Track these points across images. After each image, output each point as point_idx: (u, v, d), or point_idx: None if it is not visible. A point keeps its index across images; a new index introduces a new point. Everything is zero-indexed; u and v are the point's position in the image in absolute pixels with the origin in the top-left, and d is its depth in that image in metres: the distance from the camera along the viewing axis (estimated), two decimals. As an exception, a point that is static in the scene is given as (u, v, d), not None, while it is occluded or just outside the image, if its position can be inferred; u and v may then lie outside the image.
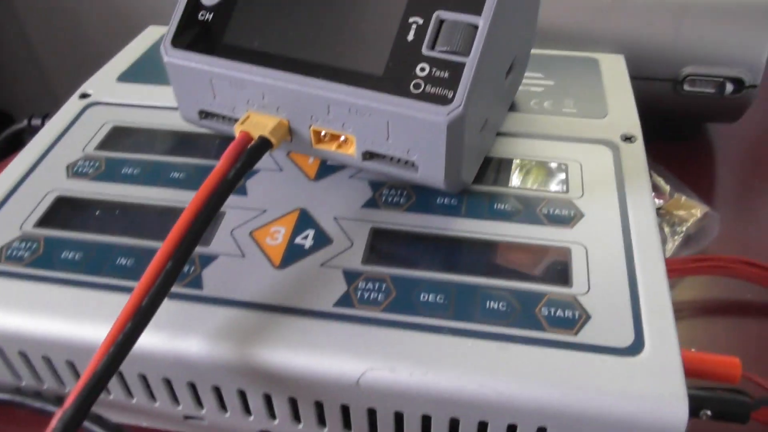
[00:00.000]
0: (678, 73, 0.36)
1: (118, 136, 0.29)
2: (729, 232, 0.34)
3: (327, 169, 0.27)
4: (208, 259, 0.24)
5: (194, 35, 0.24)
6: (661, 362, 0.20)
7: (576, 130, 0.29)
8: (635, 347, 0.21)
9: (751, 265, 0.30)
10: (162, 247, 0.20)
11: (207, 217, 0.21)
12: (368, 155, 0.24)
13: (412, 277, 0.23)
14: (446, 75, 0.21)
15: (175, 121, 0.30)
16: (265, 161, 0.28)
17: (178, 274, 0.20)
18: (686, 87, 0.36)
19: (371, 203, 0.26)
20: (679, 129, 0.42)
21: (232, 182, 0.22)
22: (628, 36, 0.36)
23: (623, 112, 0.30)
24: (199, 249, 0.24)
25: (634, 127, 0.29)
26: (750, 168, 0.41)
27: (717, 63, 0.35)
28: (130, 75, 0.33)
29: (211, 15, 0.24)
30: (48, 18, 0.84)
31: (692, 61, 0.35)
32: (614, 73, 0.33)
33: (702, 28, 0.35)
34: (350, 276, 0.23)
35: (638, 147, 0.28)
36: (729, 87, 0.35)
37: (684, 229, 0.33)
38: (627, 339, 0.21)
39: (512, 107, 0.30)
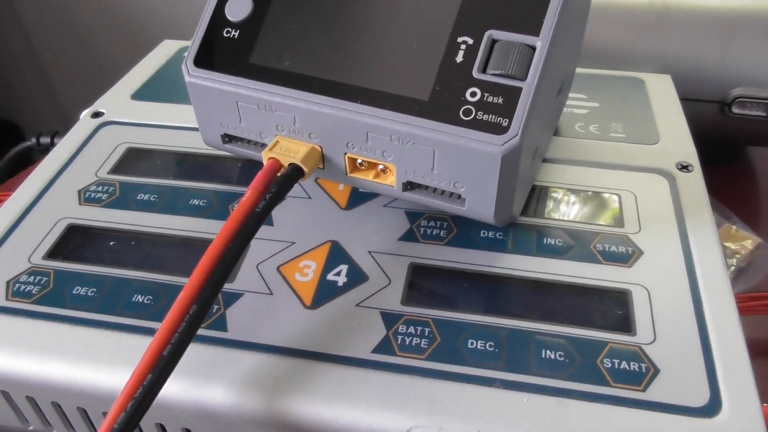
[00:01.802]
0: (726, 94, 0.34)
1: (133, 159, 0.28)
2: (780, 264, 0.32)
3: (359, 196, 0.25)
4: (232, 298, 0.22)
5: (219, 54, 0.22)
6: (743, 426, 0.18)
7: (626, 156, 0.27)
8: (712, 407, 0.18)
9: (811, 304, 0.28)
10: (185, 289, 0.18)
11: (235, 255, 0.19)
12: (409, 186, 0.22)
13: (457, 320, 0.21)
14: (500, 101, 0.19)
15: (194, 143, 0.28)
16: (292, 188, 0.26)
17: (203, 318, 0.18)
18: (735, 109, 0.34)
19: (409, 236, 0.24)
20: (720, 153, 0.40)
21: (262, 215, 0.20)
22: (673, 55, 0.34)
23: (676, 138, 0.28)
24: (224, 286, 0.22)
25: (691, 154, 0.27)
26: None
27: (768, 84, 0.33)
28: (145, 92, 0.32)
29: (237, 32, 0.22)
30: (55, 29, 0.82)
31: (742, 83, 0.33)
32: (662, 94, 0.31)
33: (752, 48, 0.33)
34: (389, 318, 0.21)
35: (696, 177, 0.26)
36: (782, 110, 0.33)
37: (735, 262, 0.31)
38: (702, 397, 0.19)
39: (556, 131, 0.28)
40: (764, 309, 0.27)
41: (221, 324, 0.21)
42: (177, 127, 0.29)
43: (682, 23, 0.34)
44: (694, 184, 0.25)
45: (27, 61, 0.87)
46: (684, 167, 0.26)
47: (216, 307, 0.21)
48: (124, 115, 0.30)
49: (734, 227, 0.32)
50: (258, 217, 0.20)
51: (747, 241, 0.32)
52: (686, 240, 0.23)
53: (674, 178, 0.26)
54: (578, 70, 0.30)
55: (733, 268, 0.31)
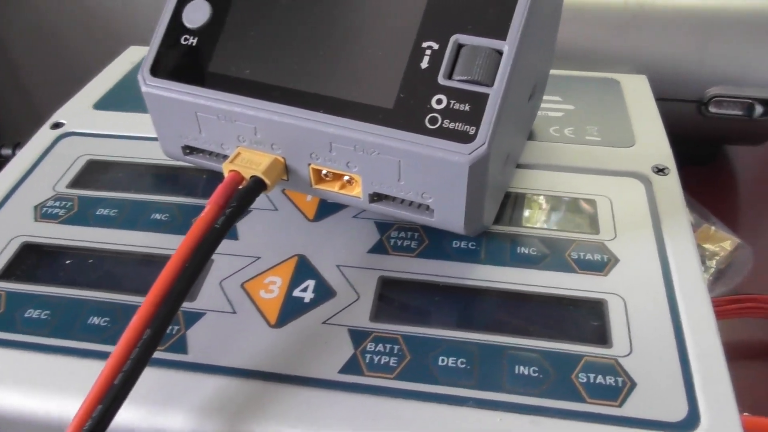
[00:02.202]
0: (703, 94, 0.33)
1: (94, 172, 0.26)
2: (761, 264, 0.32)
3: (327, 207, 0.24)
4: (193, 317, 0.21)
5: (176, 62, 0.21)
6: (722, 441, 0.17)
7: (602, 160, 0.26)
8: (690, 421, 0.18)
9: (791, 306, 0.28)
10: (138, 312, 0.17)
11: (192, 275, 0.18)
12: (376, 197, 0.21)
13: (428, 336, 0.20)
14: (467, 108, 0.19)
15: (158, 154, 0.27)
16: (257, 199, 0.25)
17: (157, 343, 0.17)
18: (712, 109, 0.33)
19: (379, 248, 0.23)
20: (698, 152, 0.39)
21: (221, 231, 0.19)
22: (649, 55, 0.33)
23: (652, 140, 0.27)
24: (183, 304, 0.21)
25: (667, 157, 0.26)
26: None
27: (745, 83, 0.32)
28: (109, 102, 0.30)
29: (196, 39, 0.21)
30: (27, 31, 0.80)
31: (718, 82, 0.33)
32: (638, 95, 0.30)
33: (729, 46, 0.32)
34: (357, 336, 0.20)
35: (672, 180, 0.25)
36: (758, 109, 0.32)
37: (714, 263, 0.31)
38: (680, 411, 0.18)
39: (531, 135, 0.28)
40: (744, 312, 0.27)
41: (181, 346, 0.20)
42: (141, 137, 0.28)
43: (657, 22, 0.33)
44: (671, 188, 0.25)
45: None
46: (660, 170, 0.25)
47: (176, 327, 0.21)
48: (86, 126, 0.29)
49: (713, 228, 0.32)
50: (217, 234, 0.19)
51: (726, 242, 0.31)
52: (662, 246, 0.22)
53: (650, 181, 0.25)
54: (553, 71, 0.30)
55: (712, 270, 0.30)
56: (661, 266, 0.22)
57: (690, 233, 0.23)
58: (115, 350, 0.17)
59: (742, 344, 0.28)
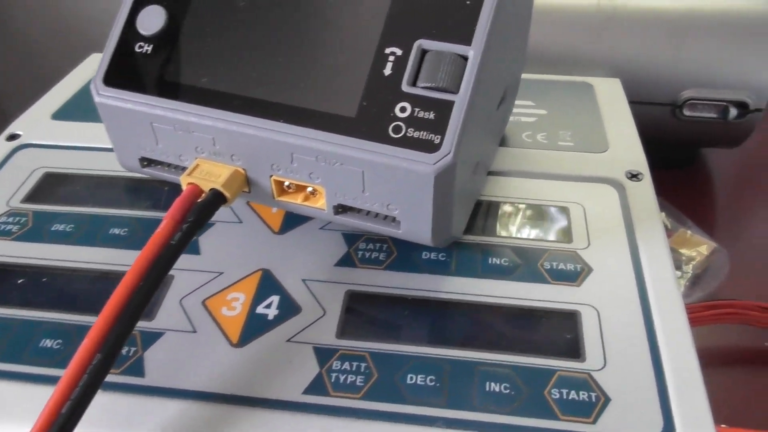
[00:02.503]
0: (677, 97, 0.33)
1: (51, 185, 0.25)
2: (737, 267, 0.32)
3: (293, 219, 0.24)
4: (151, 338, 0.20)
5: (131, 71, 0.20)
6: (699, 458, 0.17)
7: (575, 166, 0.26)
8: (666, 437, 0.17)
9: (767, 311, 0.27)
10: (88, 335, 0.17)
11: (146, 295, 0.17)
12: (341, 209, 0.20)
13: (396, 353, 0.19)
14: (431, 116, 0.18)
15: (119, 166, 0.26)
16: (221, 211, 0.24)
17: (108, 369, 0.16)
18: (686, 112, 0.33)
19: (346, 260, 0.22)
20: (674, 155, 0.39)
21: (178, 248, 0.18)
22: (622, 58, 0.33)
23: (626, 145, 0.27)
24: (140, 324, 0.20)
25: (640, 162, 0.26)
26: (750, 195, 0.38)
27: (719, 86, 0.32)
28: (68, 112, 0.29)
29: (151, 47, 0.20)
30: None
31: (692, 84, 0.32)
32: (611, 99, 0.30)
33: (703, 49, 0.32)
34: (323, 354, 0.19)
35: (646, 185, 0.25)
36: (733, 112, 0.32)
37: (691, 268, 0.30)
38: (655, 426, 0.17)
39: (503, 141, 0.27)
40: (721, 318, 0.27)
41: (138, 368, 0.19)
42: (100, 148, 0.27)
43: (630, 25, 0.33)
44: (644, 194, 0.24)
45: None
46: (634, 176, 0.25)
47: (132, 349, 0.20)
48: (43, 137, 0.28)
49: (689, 232, 0.31)
50: (174, 250, 0.18)
51: (702, 247, 0.31)
52: (636, 254, 0.22)
53: (624, 187, 0.25)
54: (525, 76, 0.29)
55: (689, 275, 0.30)
56: (635, 275, 0.21)
57: (664, 240, 0.22)
58: (63, 377, 0.16)
59: (719, 350, 0.28)
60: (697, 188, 0.38)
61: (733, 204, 0.37)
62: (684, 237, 0.31)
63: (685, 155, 0.39)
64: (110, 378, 0.19)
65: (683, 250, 0.31)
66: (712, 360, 0.27)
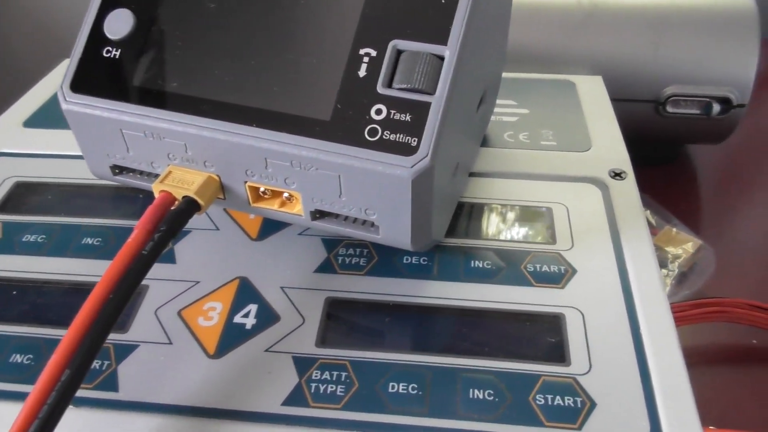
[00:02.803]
0: (660, 93, 0.33)
1: (22, 195, 0.25)
2: (723, 264, 0.31)
3: (271, 225, 0.23)
4: (125, 351, 0.19)
5: (99, 76, 0.20)
6: (687, 462, 0.16)
7: (558, 166, 0.25)
8: (653, 442, 0.17)
9: (754, 308, 0.27)
10: (56, 351, 0.16)
11: (116, 308, 0.17)
12: (318, 214, 0.20)
13: (377, 360, 0.19)
14: (408, 118, 0.18)
15: (91, 174, 0.25)
16: (197, 219, 0.23)
17: (77, 386, 0.16)
18: (669, 108, 0.33)
19: (326, 267, 0.22)
20: (658, 152, 0.39)
21: (150, 258, 0.18)
22: (603, 55, 0.33)
23: (609, 143, 0.26)
24: (113, 336, 0.20)
25: (624, 161, 0.25)
26: (735, 191, 0.38)
27: (702, 82, 0.32)
28: (40, 119, 0.29)
29: (119, 51, 0.20)
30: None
31: (675, 81, 0.32)
32: (594, 97, 0.29)
33: (684, 45, 0.32)
34: (302, 363, 0.19)
35: (630, 184, 0.24)
36: (716, 107, 0.32)
37: (677, 266, 0.30)
38: (641, 430, 0.17)
39: (484, 141, 0.27)
40: (708, 317, 0.26)
41: (111, 383, 0.19)
42: (73, 156, 0.26)
43: (611, 22, 0.32)
44: (628, 193, 0.24)
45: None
46: (617, 174, 0.25)
47: (106, 363, 0.19)
48: (15, 145, 0.27)
49: (675, 230, 0.31)
50: (145, 261, 0.18)
51: (688, 244, 0.31)
52: (621, 255, 0.22)
53: (607, 186, 0.24)
54: (506, 74, 0.29)
55: (675, 273, 0.30)
56: (619, 276, 0.21)
57: (649, 240, 0.22)
58: (30, 395, 0.15)
59: (707, 349, 0.28)
60: (681, 185, 0.38)
61: (717, 200, 0.37)
62: (669, 235, 0.31)
63: (669, 152, 0.39)
64: (83, 393, 0.18)
65: (669, 248, 0.30)
66: (699, 359, 0.27)
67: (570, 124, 0.28)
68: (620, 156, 0.25)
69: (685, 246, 0.30)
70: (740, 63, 0.31)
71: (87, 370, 0.16)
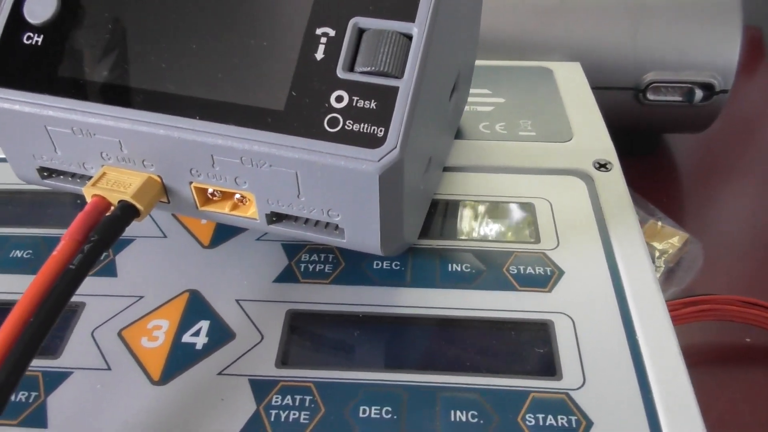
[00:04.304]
0: (639, 80, 0.31)
1: (-57, 204, 0.22)
2: (709, 257, 0.30)
3: (226, 231, 0.21)
4: (56, 379, 0.17)
5: (18, 66, 0.17)
6: (697, 487, 0.14)
7: (538, 158, 0.23)
8: (657, 464, 0.15)
9: (747, 305, 0.26)
10: (-36, 388, 0.13)
11: (37, 333, 0.14)
12: (275, 217, 0.18)
13: (346, 381, 0.17)
14: (373, 105, 0.15)
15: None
16: (141, 225, 0.21)
17: (-12, 428, 0.13)
18: (650, 96, 0.31)
19: (287, 275, 0.19)
20: (637, 142, 0.37)
21: (79, 272, 0.15)
22: (580, 40, 0.31)
23: (591, 132, 0.25)
24: (42, 363, 0.17)
25: (608, 150, 0.23)
26: (717, 181, 0.36)
27: (683, 67, 0.30)
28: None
29: (41, 38, 0.17)
30: None
31: (655, 67, 0.31)
32: (573, 84, 0.28)
33: (664, 29, 0.30)
34: (261, 387, 0.17)
35: (616, 175, 0.22)
36: (699, 94, 0.30)
37: (663, 262, 0.28)
38: (644, 451, 0.15)
39: (458, 133, 0.25)
40: (701, 316, 0.25)
41: (39, 417, 0.16)
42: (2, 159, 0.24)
43: (588, 6, 0.31)
44: (614, 185, 0.22)
45: None
46: (602, 165, 0.23)
47: (33, 394, 0.17)
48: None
49: (660, 223, 0.30)
50: (73, 276, 0.15)
51: (674, 238, 0.29)
52: (611, 252, 0.20)
53: (592, 178, 0.22)
54: (479, 62, 0.27)
55: (662, 269, 0.28)
56: (610, 276, 0.19)
57: (640, 235, 0.20)
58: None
59: (700, 349, 0.26)
60: (662, 176, 0.36)
61: (699, 191, 0.35)
62: (654, 229, 0.29)
63: (648, 142, 0.38)
64: (6, 429, 0.16)
65: (655, 243, 0.29)
66: (693, 360, 0.25)
67: (549, 113, 0.26)
68: (604, 145, 0.24)
69: (671, 240, 0.29)
70: (723, 47, 0.30)
71: (4, 404, 0.14)
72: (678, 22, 0.30)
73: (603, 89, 0.31)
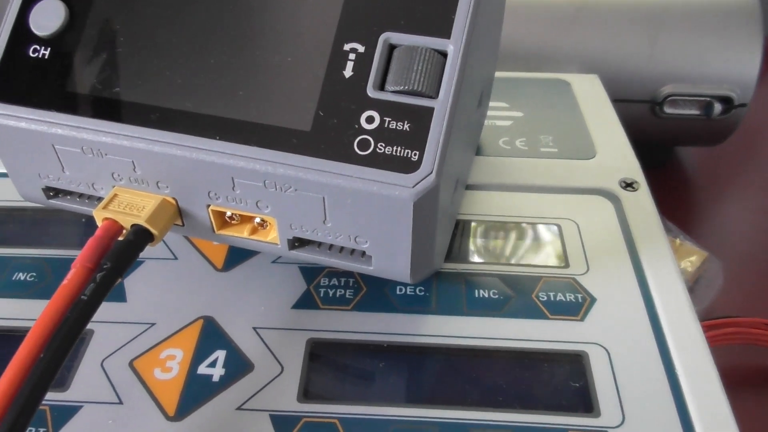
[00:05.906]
0: (656, 93, 0.30)
1: (-60, 221, 0.21)
2: (728, 275, 0.29)
3: (240, 252, 0.20)
4: (65, 414, 0.16)
5: (24, 81, 0.16)
6: None
7: (562, 176, 0.23)
8: (705, 508, 0.14)
9: (772, 326, 0.25)
10: (-31, 432, 0.12)
11: (49, 368, 0.14)
12: (298, 242, 0.17)
13: (372, 417, 0.16)
14: (406, 127, 0.15)
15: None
16: (151, 247, 0.20)
17: (-4, 477, 0.12)
18: (666, 109, 0.31)
19: (306, 301, 0.18)
20: (649, 155, 0.37)
21: (91, 303, 0.15)
22: (596, 52, 0.30)
23: (615, 149, 0.24)
24: (50, 396, 0.16)
25: (634, 169, 0.23)
26: (731, 195, 0.36)
27: (701, 81, 0.30)
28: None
29: (48, 51, 0.16)
30: None
31: (673, 79, 0.30)
32: (592, 97, 0.27)
33: (682, 42, 0.30)
34: (282, 423, 0.16)
35: (644, 195, 0.22)
36: (718, 107, 0.30)
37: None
38: (691, 495, 0.14)
39: (478, 150, 0.24)
40: (726, 339, 0.24)
41: (46, 458, 0.15)
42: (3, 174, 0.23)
43: (604, 17, 0.30)
44: (643, 205, 0.21)
45: None
46: (628, 185, 0.22)
47: (41, 430, 0.16)
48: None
49: (678, 240, 0.29)
50: (85, 308, 0.14)
51: (693, 257, 0.28)
52: (643, 278, 0.19)
53: (619, 199, 0.22)
54: (497, 74, 0.26)
55: (682, 288, 0.27)
56: (644, 304, 0.18)
57: (672, 258, 0.19)
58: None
59: (726, 375, 0.25)
60: (675, 191, 0.35)
61: (713, 205, 0.35)
62: (673, 247, 0.29)
63: (660, 154, 0.37)
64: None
65: (673, 261, 0.28)
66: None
67: (570, 128, 0.25)
68: (630, 164, 0.23)
69: (690, 259, 0.28)
70: (742, 59, 0.29)
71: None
72: (696, 33, 0.29)
73: (618, 102, 0.31)
